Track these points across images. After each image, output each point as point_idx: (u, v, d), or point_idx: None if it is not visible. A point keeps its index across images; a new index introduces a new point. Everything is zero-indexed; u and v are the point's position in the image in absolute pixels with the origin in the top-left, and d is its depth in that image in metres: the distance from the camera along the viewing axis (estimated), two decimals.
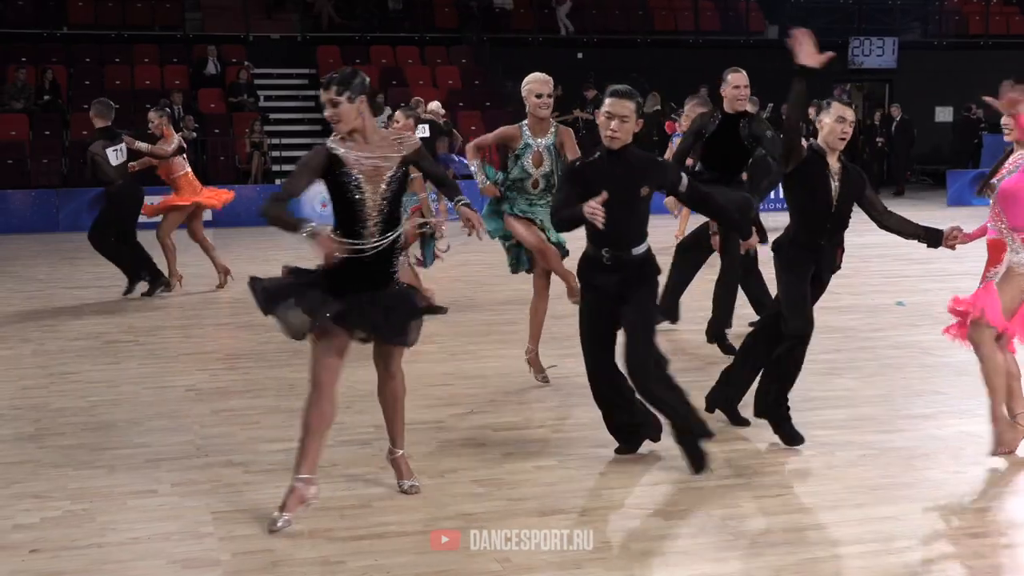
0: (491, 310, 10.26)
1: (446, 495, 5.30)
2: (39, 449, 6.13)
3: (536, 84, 7.04)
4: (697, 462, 5.51)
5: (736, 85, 7.95)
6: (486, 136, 7.45)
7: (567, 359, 7.35)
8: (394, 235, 4.97)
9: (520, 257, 7.38)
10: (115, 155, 10.85)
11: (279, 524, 4.80)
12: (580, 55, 24.88)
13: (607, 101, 5.40)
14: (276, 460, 5.79)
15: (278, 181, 20.26)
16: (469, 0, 24.91)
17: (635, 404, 5.71)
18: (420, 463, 5.75)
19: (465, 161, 8.27)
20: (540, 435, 6.33)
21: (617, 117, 5.34)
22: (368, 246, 4.88)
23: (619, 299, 5.51)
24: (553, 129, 7.10)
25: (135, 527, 4.94)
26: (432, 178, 5.40)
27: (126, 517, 5.08)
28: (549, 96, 7.00)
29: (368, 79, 5.05)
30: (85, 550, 4.68)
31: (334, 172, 4.86)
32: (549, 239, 7.07)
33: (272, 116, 21.91)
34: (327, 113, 4.86)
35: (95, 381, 7.74)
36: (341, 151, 4.87)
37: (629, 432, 5.83)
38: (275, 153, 20.90)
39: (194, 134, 19.33)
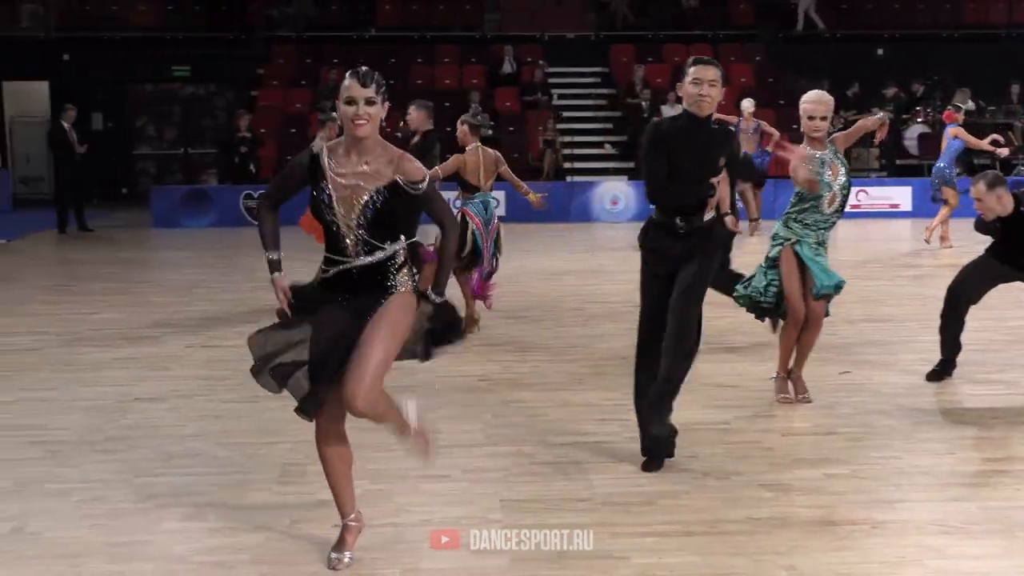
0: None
1: (732, 497, 5.21)
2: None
3: (810, 105, 6.55)
4: (653, 452, 5.56)
5: None
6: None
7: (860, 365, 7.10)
8: (383, 254, 4.34)
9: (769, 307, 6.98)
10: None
11: (345, 562, 4.47)
12: (880, 51, 23.96)
13: (692, 69, 5.43)
14: (563, 453, 5.87)
15: (569, 179, 20.55)
16: None
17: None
18: (707, 463, 5.70)
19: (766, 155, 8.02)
20: (831, 442, 6.13)
21: (706, 82, 5.40)
22: (354, 264, 4.34)
23: (682, 262, 5.48)
24: (829, 141, 6.74)
25: (427, 510, 5.10)
26: (431, 215, 4.53)
27: (419, 500, 5.24)
28: (823, 119, 6.49)
29: None
30: (381, 528, 4.86)
31: (314, 181, 4.35)
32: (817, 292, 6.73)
33: (565, 114, 22.21)
34: (358, 112, 4.23)
35: (392, 368, 8.03)
36: (325, 159, 4.34)
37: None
38: (567, 151, 21.18)
39: (489, 132, 19.83)
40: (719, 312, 9.05)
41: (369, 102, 4.23)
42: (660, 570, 4.40)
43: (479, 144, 9.30)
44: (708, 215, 5.53)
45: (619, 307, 10.35)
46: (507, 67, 22.76)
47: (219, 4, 23.83)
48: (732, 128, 6.03)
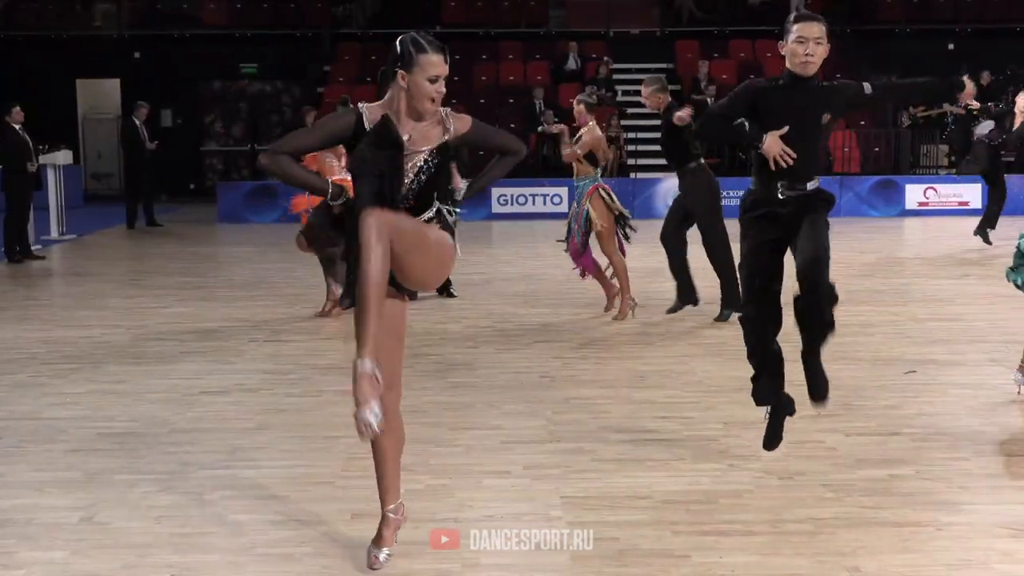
0: (844, 309, 9.92)
1: (794, 497, 5.17)
2: (406, 425, 6.45)
3: None
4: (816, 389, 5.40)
5: None
6: None
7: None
8: (425, 216, 4.25)
9: None
10: None
11: (382, 559, 4.40)
12: (951, 46, 23.62)
13: (795, 27, 5.10)
14: (624, 451, 5.86)
15: (632, 175, 20.48)
16: None
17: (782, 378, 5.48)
18: (769, 463, 5.66)
19: None
20: (896, 442, 6.06)
21: (811, 40, 5.07)
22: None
23: (790, 228, 5.19)
24: None
25: (489, 506, 5.12)
26: (495, 149, 4.54)
27: (481, 496, 5.26)
28: None
29: None
30: (443, 523, 4.86)
31: (360, 141, 4.20)
32: None
33: (630, 111, 22.15)
34: (440, 89, 4.16)
35: (456, 364, 8.09)
36: (371, 120, 4.19)
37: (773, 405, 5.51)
38: (631, 147, 21.12)
39: (554, 129, 19.81)
40: (785, 312, 8.96)
41: (445, 79, 4.18)
42: (721, 569, 4.38)
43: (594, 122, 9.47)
44: (812, 184, 5.24)
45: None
46: (571, 63, 22.74)
47: (287, 2, 24.05)
48: (837, 82, 5.64)
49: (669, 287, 9.96)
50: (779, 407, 5.51)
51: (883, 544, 4.62)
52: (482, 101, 22.43)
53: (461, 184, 4.52)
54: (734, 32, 23.88)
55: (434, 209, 4.25)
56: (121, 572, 4.42)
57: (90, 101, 24.98)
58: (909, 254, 15.08)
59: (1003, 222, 14.78)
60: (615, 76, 22.77)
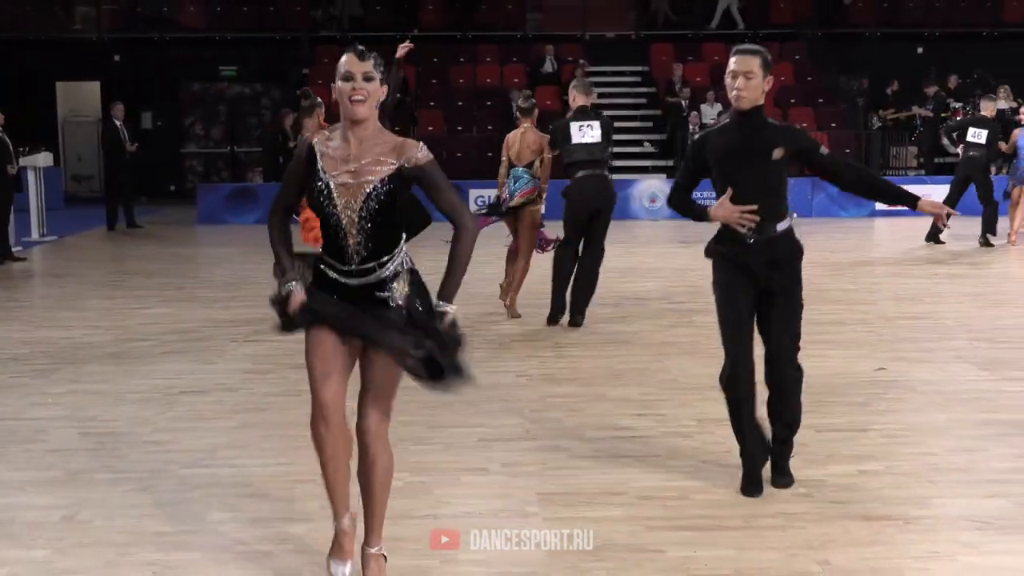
0: (815, 308, 9.98)
1: (767, 492, 5.20)
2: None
3: None
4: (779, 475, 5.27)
5: None
6: None
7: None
8: (384, 271, 4.04)
9: None
10: None
11: (347, 574, 4.25)
12: (920, 49, 23.75)
13: (731, 60, 4.93)
14: (601, 447, 5.88)
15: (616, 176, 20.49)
16: None
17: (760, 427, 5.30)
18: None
19: None
20: (865, 438, 6.11)
21: (741, 75, 4.88)
22: (351, 272, 4.04)
23: (760, 282, 5.02)
24: None
25: (467, 502, 5.13)
26: (440, 208, 4.09)
27: (459, 492, 5.28)
28: None
29: None
30: (422, 520, 4.89)
31: (312, 173, 4.01)
32: None
33: (606, 112, 22.15)
34: (355, 86, 3.89)
35: None
36: (321, 148, 4.02)
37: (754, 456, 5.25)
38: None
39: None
40: None
41: (367, 77, 3.90)
42: (695, 564, 4.41)
43: (529, 126, 9.54)
44: (782, 224, 5.05)
45: (656, 303, 10.38)
46: (548, 66, 22.76)
47: (266, 5, 23.99)
48: (795, 125, 5.55)
49: (643, 288, 10.00)
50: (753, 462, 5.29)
51: (853, 538, 4.66)
52: (460, 103, 22.44)
53: (441, 305, 4.11)
54: (708, 35, 23.93)
55: (395, 263, 4.05)
56: (103, 570, 4.42)
57: (70, 104, 24.84)
58: (879, 254, 15.17)
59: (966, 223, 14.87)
60: (591, 79, 22.77)
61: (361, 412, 4.13)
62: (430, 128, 21.52)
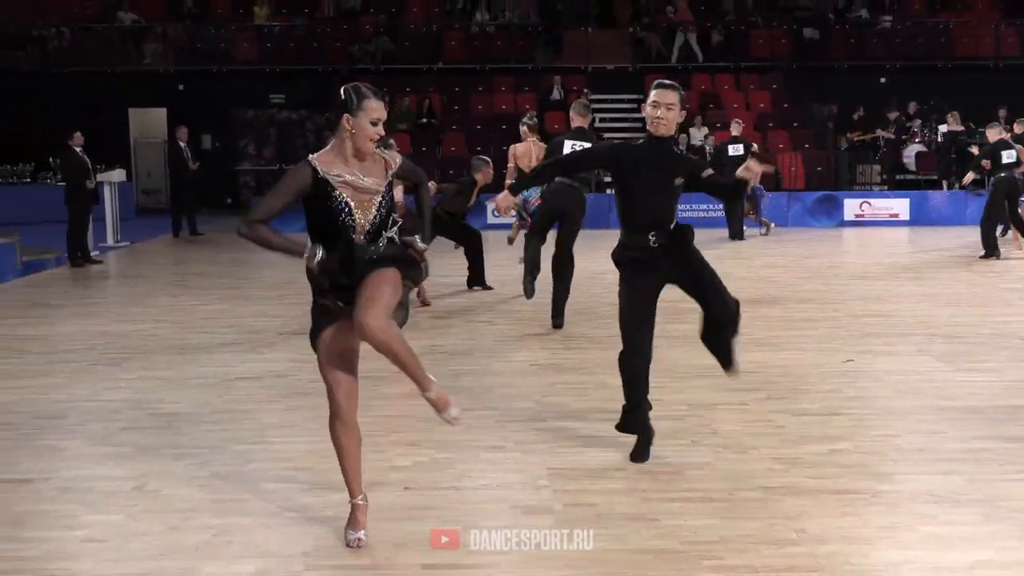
0: (792, 307, 9.96)
1: (748, 469, 5.18)
2: (412, 406, 6.42)
3: None
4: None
5: None
6: None
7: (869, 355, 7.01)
8: (384, 242, 4.14)
9: None
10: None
11: (362, 537, 4.25)
12: (883, 80, 23.67)
13: (653, 92, 5.07)
14: (603, 428, 5.84)
15: (609, 191, 20.47)
16: (787, 32, 24.24)
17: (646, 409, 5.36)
18: (726, 439, 5.67)
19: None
20: (836, 421, 6.06)
21: (663, 105, 5.03)
22: (361, 256, 4.09)
23: (665, 273, 5.13)
24: None
25: (485, 476, 5.12)
26: (410, 179, 4.48)
27: (479, 467, 5.26)
28: None
29: None
30: (446, 491, 4.89)
31: (322, 195, 4.04)
32: None
33: (606, 135, 22.14)
34: (380, 130, 4.08)
35: (457, 353, 8.09)
36: (330, 173, 4.04)
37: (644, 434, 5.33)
38: None
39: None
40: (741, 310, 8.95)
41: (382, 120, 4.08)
42: (685, 531, 4.39)
43: (535, 139, 10.50)
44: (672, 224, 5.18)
45: None
46: (556, 94, 22.75)
47: (310, 42, 24.01)
48: (690, 155, 5.73)
49: None
50: (647, 434, 5.35)
51: (825, 509, 4.63)
52: (478, 127, 22.44)
53: (419, 243, 4.37)
54: (695, 67, 23.89)
55: (386, 237, 4.12)
56: (168, 533, 4.42)
57: (141, 127, 24.91)
58: (847, 259, 15.10)
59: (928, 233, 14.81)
60: (594, 105, 22.71)
61: (364, 314, 3.95)
62: (452, 148, 21.53)
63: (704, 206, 19.42)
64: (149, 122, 24.80)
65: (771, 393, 6.71)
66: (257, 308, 10.36)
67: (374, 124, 4.03)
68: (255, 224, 4.10)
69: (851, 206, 19.64)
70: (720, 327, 5.26)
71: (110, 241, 16.61)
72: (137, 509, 4.71)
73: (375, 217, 4.08)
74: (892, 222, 19.23)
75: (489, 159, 11.25)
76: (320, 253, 4.06)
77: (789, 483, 4.97)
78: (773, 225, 17.93)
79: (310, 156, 4.09)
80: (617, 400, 6.45)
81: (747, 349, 7.95)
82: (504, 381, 7.13)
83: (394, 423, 6.03)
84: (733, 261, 13.51)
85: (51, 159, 19.23)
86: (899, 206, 19.56)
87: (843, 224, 19.30)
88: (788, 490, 4.87)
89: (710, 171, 5.35)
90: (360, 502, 4.32)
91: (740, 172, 5.16)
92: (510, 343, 8.48)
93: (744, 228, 17.20)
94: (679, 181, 5.15)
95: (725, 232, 17.24)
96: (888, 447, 5.57)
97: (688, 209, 19.31)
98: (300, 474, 5.15)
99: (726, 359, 5.37)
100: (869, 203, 19.71)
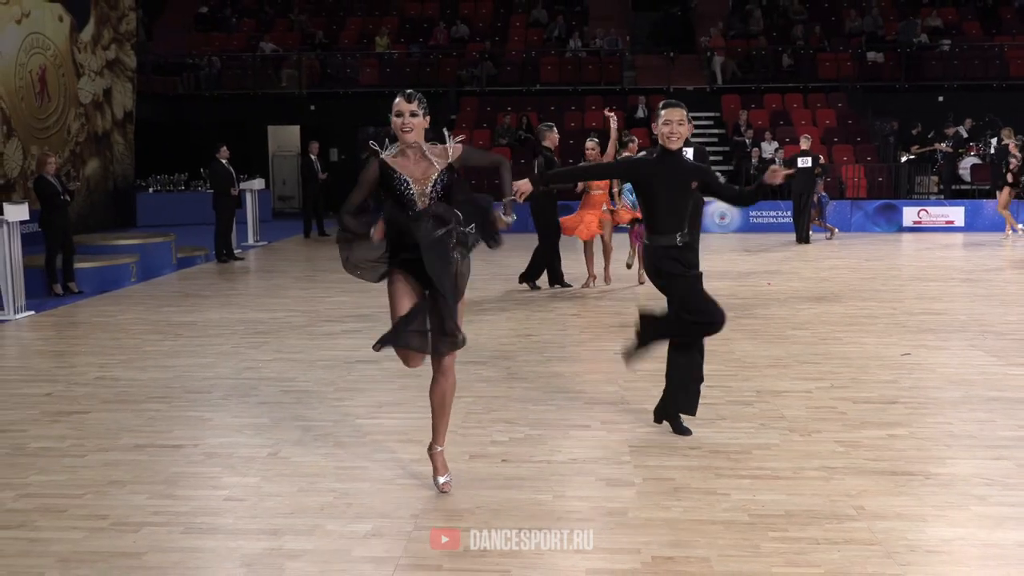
0: (853, 304, 9.70)
1: (812, 450, 5.07)
2: (509, 388, 6.47)
3: None
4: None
5: None
6: None
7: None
8: (444, 229, 4.18)
9: None
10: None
11: (447, 482, 4.46)
12: (941, 98, 22.89)
13: (663, 112, 5.07)
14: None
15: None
16: (852, 56, 23.61)
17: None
18: (792, 423, 5.55)
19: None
20: (894, 409, 5.89)
21: (675, 122, 5.04)
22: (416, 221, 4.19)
23: (680, 272, 5.14)
24: None
25: (574, 451, 5.10)
26: (485, 167, 4.61)
27: (568, 443, 5.25)
28: None
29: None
30: (538, 464, 4.88)
31: (387, 180, 4.25)
32: None
33: (686, 149, 21.84)
34: (404, 121, 4.21)
35: (549, 342, 8.08)
36: (391, 162, 4.26)
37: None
38: None
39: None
40: (807, 307, 8.77)
41: (412, 114, 4.20)
42: (754, 505, 4.31)
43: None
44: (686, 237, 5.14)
45: (723, 299, 10.12)
46: (640, 112, 22.54)
47: (423, 67, 24.25)
48: (702, 164, 5.77)
49: (713, 287, 9.76)
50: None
51: (883, 489, 4.50)
52: (571, 141, 22.34)
53: (504, 217, 4.42)
54: (767, 88, 23.43)
55: (450, 226, 4.17)
56: (297, 495, 4.51)
57: (278, 142, 25.45)
58: (905, 262, 14.65)
59: (982, 238, 14.28)
60: None
61: (439, 360, 4.33)
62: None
63: (773, 212, 19.06)
64: (285, 138, 25.35)
65: (834, 382, 6.55)
66: (375, 300, 10.46)
67: (397, 116, 4.20)
68: (342, 216, 4.37)
69: (910, 213, 19.07)
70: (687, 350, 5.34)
71: (251, 241, 17.01)
72: (271, 473, 4.81)
73: (432, 194, 4.20)
74: (948, 228, 18.63)
75: (552, 123, 11.16)
76: (378, 226, 4.25)
77: (849, 464, 4.84)
78: (837, 230, 17.55)
79: (381, 153, 4.28)
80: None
81: (813, 343, 7.80)
82: (591, 367, 7.10)
83: (494, 403, 6.04)
84: (800, 263, 13.23)
85: (202, 170, 19.77)
86: (955, 214, 18.92)
87: (902, 230, 18.74)
88: (848, 470, 4.75)
89: (720, 180, 5.40)
90: (440, 449, 4.49)
91: (766, 177, 5.16)
92: (597, 334, 8.43)
93: (810, 233, 16.86)
94: (694, 185, 5.15)
95: (792, 236, 16.92)
96: (942, 433, 5.38)
97: (758, 215, 19.01)
98: (411, 446, 5.20)
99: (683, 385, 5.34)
100: (927, 211, 19.09)
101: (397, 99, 4.24)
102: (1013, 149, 16.23)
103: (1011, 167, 16.24)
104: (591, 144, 10.87)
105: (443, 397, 4.39)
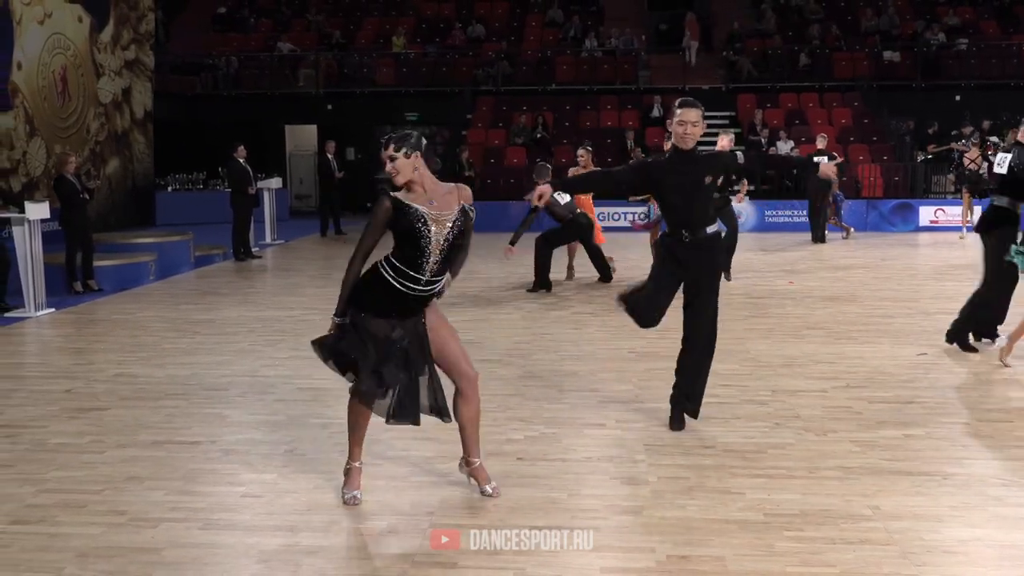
0: (869, 304, 9.64)
1: (828, 450, 5.04)
2: (524, 386, 6.46)
3: None
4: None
5: None
6: None
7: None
8: (442, 281, 4.23)
9: None
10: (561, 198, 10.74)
11: (358, 497, 4.36)
12: (958, 97, 22.72)
13: (679, 112, 5.09)
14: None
15: None
16: (868, 54, 23.48)
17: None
18: (807, 423, 5.52)
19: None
20: (910, 408, 5.85)
21: (689, 122, 5.06)
22: (423, 281, 4.15)
23: (688, 270, 5.18)
24: None
25: (588, 450, 5.09)
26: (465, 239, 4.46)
27: (583, 442, 5.24)
28: None
29: (423, 138, 4.26)
30: (553, 462, 4.87)
31: (402, 215, 4.09)
32: None
33: (701, 148, 21.72)
34: (387, 168, 4.14)
35: (564, 340, 8.07)
36: (407, 201, 4.13)
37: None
38: None
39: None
40: (822, 306, 8.72)
41: (390, 159, 4.12)
42: (769, 504, 4.29)
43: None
44: (711, 228, 5.18)
45: (739, 299, 10.13)
46: (655, 112, 22.47)
47: (440, 67, 24.26)
48: (717, 152, 5.88)
49: (729, 286, 9.71)
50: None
51: (899, 489, 4.47)
52: (586, 140, 22.31)
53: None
54: (783, 87, 23.33)
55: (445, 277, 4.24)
56: (313, 491, 4.52)
57: (295, 141, 25.54)
58: (922, 261, 14.55)
59: None
60: None
61: (461, 386, 4.33)
62: (563, 160, 21.44)
63: (789, 211, 18.98)
64: (302, 137, 25.43)
65: (849, 382, 6.51)
66: None
67: (384, 163, 4.14)
68: (353, 262, 4.35)
69: (926, 213, 18.94)
70: (690, 349, 5.36)
71: (268, 239, 17.06)
72: (288, 470, 4.82)
73: (447, 238, 4.13)
74: (964, 227, 18.45)
75: (549, 166, 11.20)
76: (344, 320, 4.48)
77: (865, 464, 4.81)
78: (852, 230, 17.43)
79: (392, 193, 4.20)
80: (708, 385, 6.36)
81: (828, 342, 7.76)
82: (606, 366, 7.08)
83: (510, 401, 6.04)
84: (815, 262, 13.17)
85: (219, 169, 19.85)
86: (972, 213, 18.75)
87: (919, 229, 18.62)
88: (864, 470, 4.72)
89: (741, 157, 5.47)
90: (476, 460, 4.43)
91: (822, 169, 5.48)
92: (612, 332, 8.41)
93: (826, 232, 16.76)
94: (709, 179, 5.16)
95: (808, 236, 16.83)
96: (958, 433, 5.34)
97: (773, 215, 18.93)
98: (426, 443, 5.19)
99: (687, 385, 5.39)
100: (943, 210, 18.96)
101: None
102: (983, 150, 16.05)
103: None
104: (582, 152, 11.23)
105: (478, 414, 4.37)
